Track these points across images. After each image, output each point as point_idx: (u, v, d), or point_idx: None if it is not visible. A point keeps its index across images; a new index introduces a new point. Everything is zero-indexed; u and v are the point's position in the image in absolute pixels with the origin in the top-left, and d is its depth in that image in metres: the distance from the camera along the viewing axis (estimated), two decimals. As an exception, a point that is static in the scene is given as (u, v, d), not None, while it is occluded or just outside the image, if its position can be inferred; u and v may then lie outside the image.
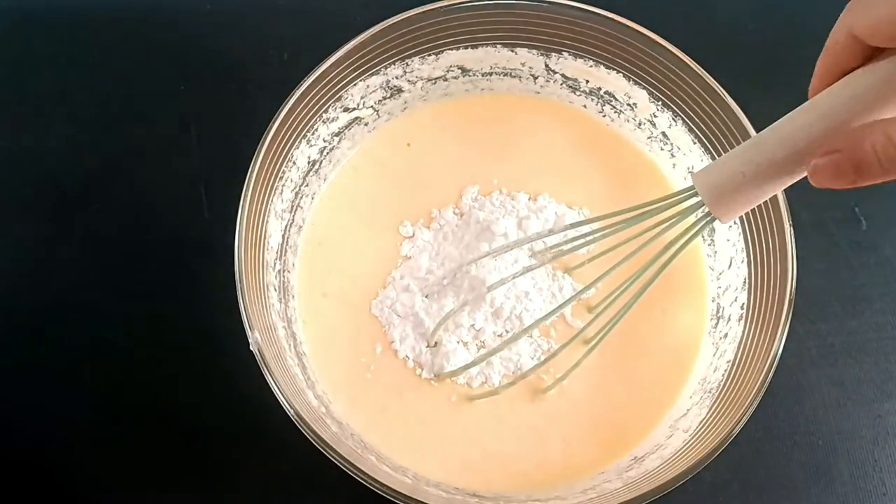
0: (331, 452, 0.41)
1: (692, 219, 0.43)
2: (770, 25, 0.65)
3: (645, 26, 0.50)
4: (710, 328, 0.52)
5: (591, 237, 0.47)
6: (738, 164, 0.38)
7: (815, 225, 0.58)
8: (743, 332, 0.48)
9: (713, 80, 0.49)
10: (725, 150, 0.50)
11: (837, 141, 0.34)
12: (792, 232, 0.46)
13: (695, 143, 0.52)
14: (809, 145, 0.36)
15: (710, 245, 0.53)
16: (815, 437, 0.54)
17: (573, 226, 0.49)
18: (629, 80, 0.52)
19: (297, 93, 0.47)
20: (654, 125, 0.54)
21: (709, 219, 0.41)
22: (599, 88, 0.54)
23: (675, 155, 0.54)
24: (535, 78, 0.55)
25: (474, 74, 0.55)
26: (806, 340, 0.56)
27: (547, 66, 0.54)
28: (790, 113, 0.37)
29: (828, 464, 0.54)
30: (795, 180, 0.38)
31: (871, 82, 0.34)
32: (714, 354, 0.50)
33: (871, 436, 0.54)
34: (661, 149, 0.55)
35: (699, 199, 0.41)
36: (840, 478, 0.53)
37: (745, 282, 0.49)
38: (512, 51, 0.53)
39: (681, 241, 0.43)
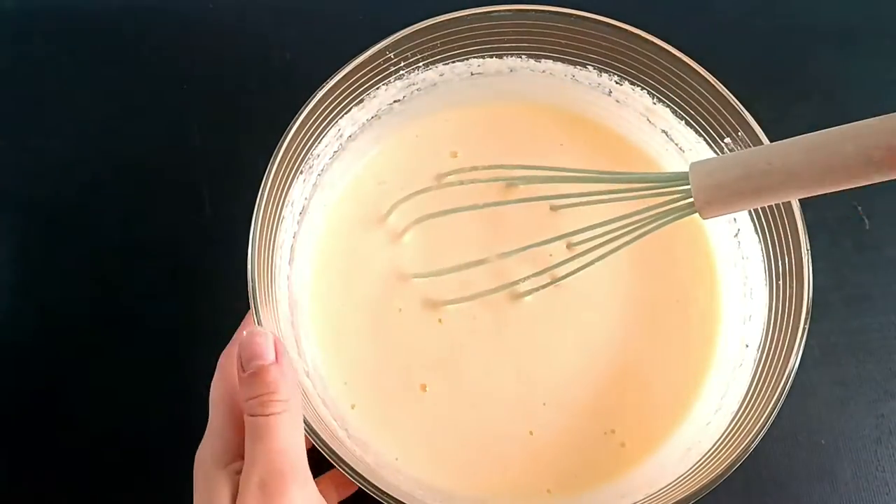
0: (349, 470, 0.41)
1: (674, 202, 0.44)
2: (771, 23, 0.65)
3: (662, 39, 0.50)
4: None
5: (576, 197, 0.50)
6: (747, 172, 0.39)
7: (818, 224, 0.58)
8: (758, 356, 0.48)
9: (746, 110, 0.49)
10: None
11: None
12: (810, 262, 0.46)
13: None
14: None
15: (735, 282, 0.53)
16: (817, 436, 0.54)
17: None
18: (653, 98, 0.52)
19: (319, 94, 0.47)
20: (680, 147, 0.54)
21: (688, 210, 0.42)
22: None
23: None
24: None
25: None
26: (808, 339, 0.55)
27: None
28: (826, 131, 0.38)
29: (830, 463, 0.54)
30: (791, 198, 0.39)
31: None
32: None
33: (874, 435, 0.54)
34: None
35: (688, 187, 0.42)
36: (843, 477, 0.53)
37: (765, 305, 0.49)
38: (538, 61, 0.53)
39: (653, 224, 0.45)
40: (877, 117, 0.37)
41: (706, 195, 0.41)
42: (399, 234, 0.52)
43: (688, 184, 0.42)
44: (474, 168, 0.53)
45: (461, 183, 0.52)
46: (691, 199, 0.42)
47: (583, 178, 0.49)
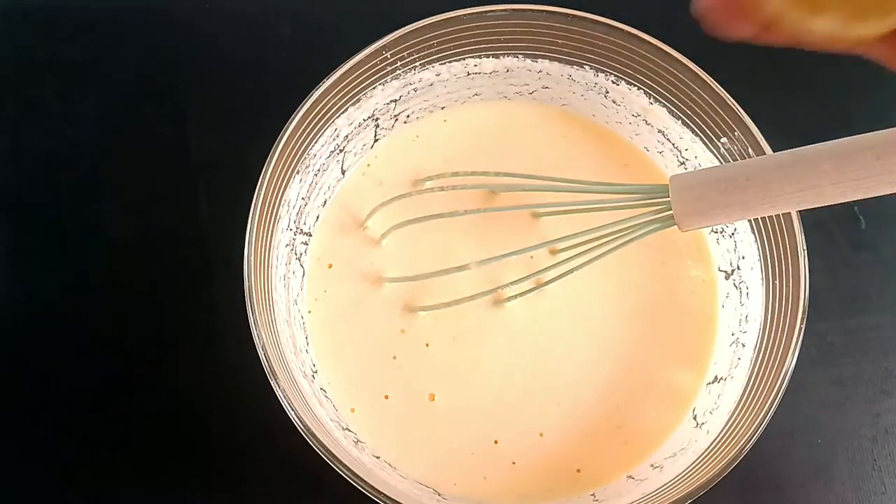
0: (345, 470, 0.41)
1: (652, 215, 0.44)
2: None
3: (662, 40, 0.50)
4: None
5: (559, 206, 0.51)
6: (725, 186, 0.40)
7: (814, 224, 0.58)
8: (754, 356, 0.48)
9: (742, 109, 0.49)
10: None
11: None
12: (806, 262, 0.46)
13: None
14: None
15: (732, 283, 0.53)
16: (814, 435, 0.54)
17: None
18: (649, 98, 0.52)
19: (316, 94, 0.47)
20: (676, 147, 0.54)
21: (668, 222, 0.43)
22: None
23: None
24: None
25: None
26: (805, 339, 0.56)
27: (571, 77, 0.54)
28: (805, 148, 0.38)
29: (827, 462, 0.54)
30: (772, 213, 0.39)
31: None
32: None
33: (870, 434, 0.54)
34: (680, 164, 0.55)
35: (667, 199, 0.42)
36: (839, 476, 0.53)
37: (762, 304, 0.49)
38: (534, 61, 0.53)
39: (633, 235, 0.45)
40: (855, 136, 0.37)
41: (685, 208, 0.41)
42: (379, 239, 0.52)
43: (667, 196, 0.42)
44: (455, 174, 0.53)
45: (442, 189, 0.52)
46: (671, 212, 0.42)
47: (564, 188, 0.50)
